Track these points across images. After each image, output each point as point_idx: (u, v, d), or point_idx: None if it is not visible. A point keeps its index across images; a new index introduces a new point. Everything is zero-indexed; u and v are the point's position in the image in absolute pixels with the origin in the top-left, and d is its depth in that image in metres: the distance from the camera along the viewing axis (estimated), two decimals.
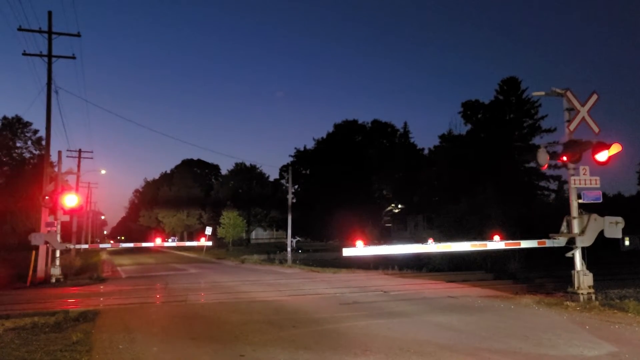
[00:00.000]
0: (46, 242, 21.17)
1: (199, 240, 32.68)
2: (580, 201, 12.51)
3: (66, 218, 23.05)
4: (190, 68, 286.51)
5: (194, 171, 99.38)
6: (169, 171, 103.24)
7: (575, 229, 12.45)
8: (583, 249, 12.44)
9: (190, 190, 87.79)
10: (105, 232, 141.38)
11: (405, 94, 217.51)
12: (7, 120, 59.67)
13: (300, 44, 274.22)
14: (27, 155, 61.46)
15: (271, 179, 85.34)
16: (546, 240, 13.00)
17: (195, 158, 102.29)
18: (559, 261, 16.32)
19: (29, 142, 61.40)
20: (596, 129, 12.61)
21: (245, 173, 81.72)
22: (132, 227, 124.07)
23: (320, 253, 48.28)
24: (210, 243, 36.58)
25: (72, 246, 30.33)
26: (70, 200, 21.30)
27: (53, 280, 21.47)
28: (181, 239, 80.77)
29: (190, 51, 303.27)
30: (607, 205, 17.25)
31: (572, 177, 12.48)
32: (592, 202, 12.48)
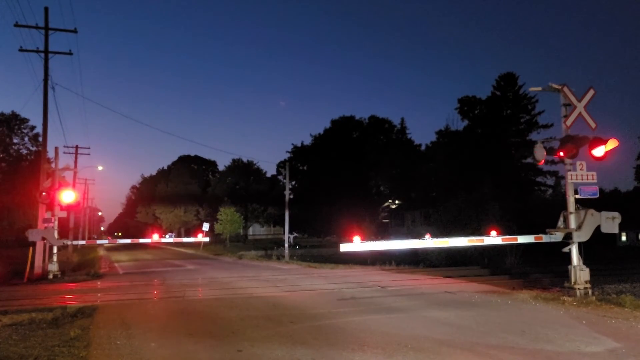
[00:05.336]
0: (43, 238, 21.12)
1: (196, 236, 32.64)
2: (577, 196, 12.56)
3: (63, 214, 22.98)
4: (188, 65, 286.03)
5: (191, 167, 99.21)
6: (165, 167, 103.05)
7: (572, 224, 12.49)
8: (580, 244, 12.49)
9: (188, 187, 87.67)
10: (102, 229, 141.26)
11: (403, 90, 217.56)
12: (4, 116, 59.49)
13: (297, 41, 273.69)
14: (24, 151, 61.44)
15: (268, 175, 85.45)
16: (543, 236, 13.03)
17: (192, 154, 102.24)
18: (556, 256, 16.40)
19: (26, 139, 61.44)
20: (593, 125, 12.65)
21: (243, 169, 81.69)
22: (129, 223, 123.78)
23: (318, 249, 48.33)
24: (207, 239, 36.53)
25: (69, 242, 30.38)
26: (67, 196, 21.25)
27: (50, 276, 21.45)
28: (178, 235, 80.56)
29: (188, 48, 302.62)
30: (603, 201, 17.27)
31: (569, 173, 12.52)
32: (588, 197, 12.53)
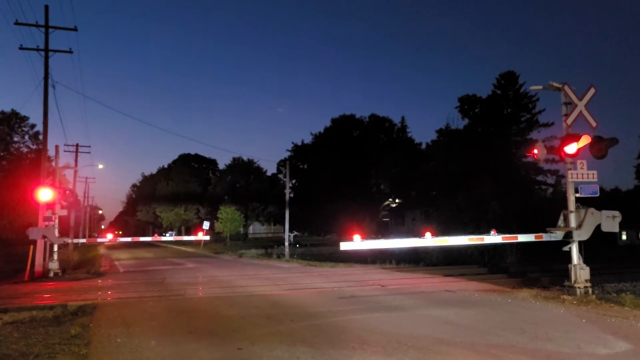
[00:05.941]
0: (44, 237, 21.12)
1: (196, 234, 32.63)
2: (577, 195, 12.56)
3: (64, 213, 22.99)
4: (188, 63, 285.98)
5: (192, 166, 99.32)
6: (166, 166, 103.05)
7: (572, 223, 12.49)
8: (580, 243, 12.49)
9: (188, 185, 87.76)
10: (102, 227, 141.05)
11: (403, 88, 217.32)
12: (4, 114, 59.39)
13: (297, 41, 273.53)
14: (25, 149, 61.28)
15: (269, 173, 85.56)
16: (543, 234, 13.02)
17: (192, 153, 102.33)
18: (556, 255, 16.39)
19: (26, 137, 61.28)
20: (594, 123, 12.65)
21: (243, 168, 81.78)
22: (130, 221, 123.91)
23: (318, 247, 48.33)
24: (207, 238, 36.51)
25: (69, 240, 30.34)
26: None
27: (51, 274, 21.48)
28: (179, 234, 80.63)
29: (188, 47, 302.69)
30: (604, 200, 17.31)
31: (570, 172, 12.52)
32: (589, 196, 12.52)
